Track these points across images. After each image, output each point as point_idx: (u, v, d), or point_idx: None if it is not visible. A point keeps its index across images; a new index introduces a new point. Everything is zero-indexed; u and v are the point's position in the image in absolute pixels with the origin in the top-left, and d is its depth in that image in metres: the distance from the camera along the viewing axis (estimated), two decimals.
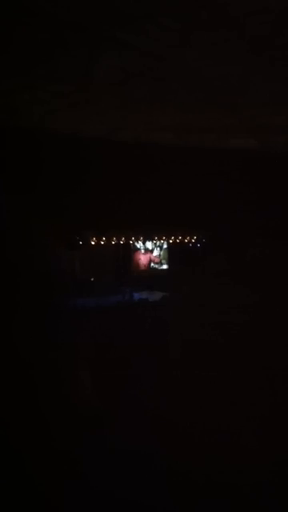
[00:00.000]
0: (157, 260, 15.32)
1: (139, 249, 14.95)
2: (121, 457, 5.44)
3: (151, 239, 14.86)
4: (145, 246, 15.01)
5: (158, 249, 15.31)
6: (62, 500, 4.76)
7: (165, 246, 15.32)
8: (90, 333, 9.45)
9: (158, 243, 15.18)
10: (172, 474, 5.20)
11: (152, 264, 15.27)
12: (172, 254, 15.34)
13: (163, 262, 15.36)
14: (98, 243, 13.12)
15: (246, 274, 11.45)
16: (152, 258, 15.26)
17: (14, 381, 6.80)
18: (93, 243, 13.01)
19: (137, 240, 14.52)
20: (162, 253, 15.33)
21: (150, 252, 15.23)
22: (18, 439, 5.60)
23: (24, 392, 6.57)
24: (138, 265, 15.02)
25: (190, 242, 15.09)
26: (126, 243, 14.32)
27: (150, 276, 14.92)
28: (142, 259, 15.10)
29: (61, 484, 4.92)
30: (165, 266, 15.40)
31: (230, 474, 5.17)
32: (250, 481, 5.06)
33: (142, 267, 15.15)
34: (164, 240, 15.08)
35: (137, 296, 13.44)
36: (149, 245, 15.05)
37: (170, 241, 15.06)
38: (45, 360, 7.49)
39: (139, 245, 14.91)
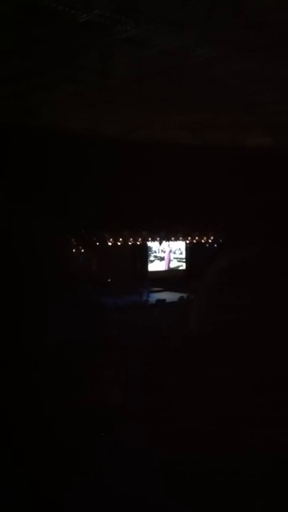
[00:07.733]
0: (174, 260, 15.30)
1: (157, 249, 14.96)
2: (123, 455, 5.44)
3: (168, 240, 14.82)
4: (166, 246, 15.00)
5: (174, 249, 15.29)
6: (65, 499, 4.76)
7: (183, 246, 15.30)
8: (107, 333, 9.45)
9: (175, 244, 15.14)
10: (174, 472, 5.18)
11: (170, 264, 15.25)
12: (190, 254, 15.31)
13: (181, 262, 15.34)
14: (114, 244, 13.12)
15: (253, 272, 11.29)
16: (170, 258, 15.24)
17: (20, 380, 6.82)
18: (110, 244, 13.01)
19: (153, 240, 14.48)
20: (179, 252, 15.33)
21: (168, 252, 15.22)
22: (22, 439, 5.61)
23: (32, 391, 6.58)
24: (155, 265, 15.02)
25: (206, 242, 15.00)
26: (143, 244, 14.30)
27: (168, 277, 14.90)
28: (160, 260, 15.10)
29: (63, 483, 4.92)
30: (183, 267, 15.38)
31: (230, 471, 5.14)
32: (248, 479, 5.03)
33: (160, 268, 15.14)
34: (181, 240, 15.02)
35: (154, 297, 13.40)
36: (166, 245, 15.03)
37: (187, 241, 15.00)
38: (51, 359, 7.50)
39: (156, 245, 14.89)
